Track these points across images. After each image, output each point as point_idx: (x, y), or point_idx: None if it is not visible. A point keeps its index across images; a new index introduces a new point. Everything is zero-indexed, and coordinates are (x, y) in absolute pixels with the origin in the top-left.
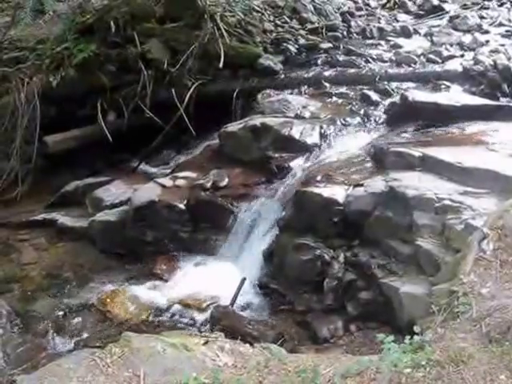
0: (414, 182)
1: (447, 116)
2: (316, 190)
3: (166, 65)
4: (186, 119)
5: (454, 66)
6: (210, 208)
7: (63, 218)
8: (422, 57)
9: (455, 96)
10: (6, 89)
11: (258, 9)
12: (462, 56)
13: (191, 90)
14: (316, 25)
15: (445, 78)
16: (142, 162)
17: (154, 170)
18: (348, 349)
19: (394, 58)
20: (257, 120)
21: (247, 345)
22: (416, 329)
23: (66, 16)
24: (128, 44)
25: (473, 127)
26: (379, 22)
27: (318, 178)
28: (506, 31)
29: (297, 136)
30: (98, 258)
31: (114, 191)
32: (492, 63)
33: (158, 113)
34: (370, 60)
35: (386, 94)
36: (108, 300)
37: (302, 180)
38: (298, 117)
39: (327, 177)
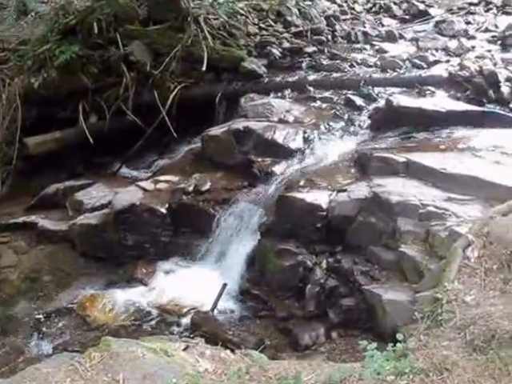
0: (397, 188)
1: (432, 121)
2: (299, 195)
3: (148, 67)
4: (169, 122)
5: (440, 71)
6: (191, 212)
7: (43, 221)
8: (407, 62)
9: (440, 101)
10: None
11: (242, 12)
12: (448, 61)
13: (174, 92)
14: (301, 28)
15: (430, 84)
16: (123, 164)
17: (135, 173)
18: (330, 356)
19: (378, 62)
20: (240, 124)
21: (228, 351)
22: (399, 336)
23: (48, 17)
24: (111, 46)
25: (458, 133)
26: (364, 27)
27: (301, 182)
28: (492, 37)
29: (280, 140)
30: (78, 262)
31: (95, 194)
32: (478, 69)
33: (140, 115)
34: (355, 64)
35: (370, 98)
36: (88, 304)
37: (285, 185)
38: (281, 121)
39: (310, 182)
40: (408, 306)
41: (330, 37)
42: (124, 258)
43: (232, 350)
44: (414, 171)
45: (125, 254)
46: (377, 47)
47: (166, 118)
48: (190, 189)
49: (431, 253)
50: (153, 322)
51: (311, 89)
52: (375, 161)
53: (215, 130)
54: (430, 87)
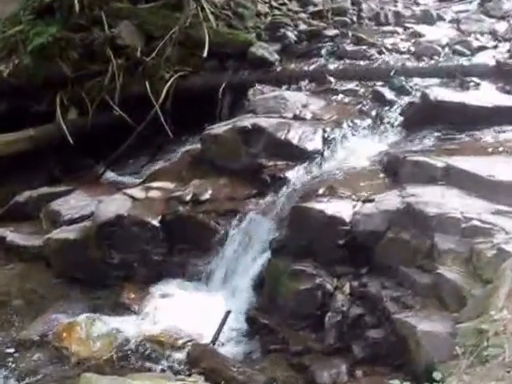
0: (435, 198)
1: (477, 119)
2: (317, 206)
3: (139, 53)
4: (162, 118)
5: (486, 59)
6: (189, 226)
7: (13, 235)
8: (446, 48)
9: (486, 95)
10: None
11: None
12: (495, 47)
13: (169, 83)
14: (320, 7)
15: (474, 74)
16: (108, 168)
17: (122, 178)
18: None
19: (413, 48)
20: (247, 121)
21: None
22: (436, 375)
23: None
24: (94, 27)
25: (508, 133)
26: (396, 6)
27: (320, 191)
28: None
29: (295, 141)
30: (54, 284)
31: (75, 203)
32: None
33: (128, 110)
34: (384, 51)
35: (402, 91)
36: (65, 334)
37: (301, 194)
38: (296, 118)
39: (331, 190)
40: (447, 339)
41: (354, 18)
42: (109, 279)
43: None
44: (454, 178)
45: (110, 275)
46: (411, 30)
47: (160, 114)
48: (188, 198)
49: (475, 276)
50: (142, 356)
51: (332, 79)
52: (408, 165)
53: (218, 128)
54: (473, 78)
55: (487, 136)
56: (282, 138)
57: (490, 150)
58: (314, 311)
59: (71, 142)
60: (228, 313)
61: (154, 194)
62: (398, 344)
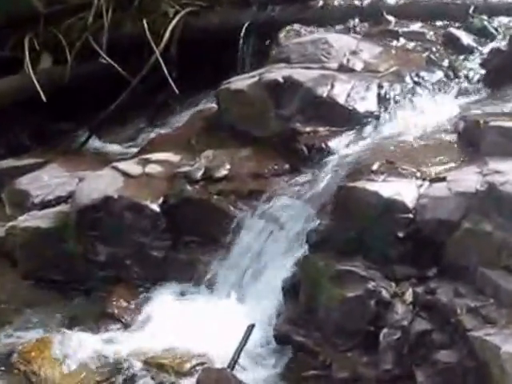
0: None
1: None
2: (371, 187)
3: None
4: (165, 69)
5: None
6: (199, 212)
7: None
8: None
9: None
10: None
11: None
12: None
13: (174, 21)
14: None
15: None
16: (92, 134)
17: (111, 148)
18: None
19: None
20: (278, 72)
21: None
22: None
23: None
24: None
25: None
26: None
27: (375, 166)
28: None
29: (341, 99)
30: (20, 287)
31: (48, 181)
32: None
33: (120, 58)
34: None
35: (485, 35)
36: (33, 354)
37: (349, 170)
38: (343, 68)
39: (389, 165)
40: None
41: None
42: (92, 282)
43: None
44: None
45: (94, 277)
46: None
47: (162, 63)
48: (198, 174)
49: None
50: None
51: (391, 18)
52: (492, 133)
53: (239, 82)
54: None
55: None
56: (324, 95)
57: None
58: (366, 326)
59: (44, 98)
60: (251, 327)
61: (153, 168)
62: (477, 370)
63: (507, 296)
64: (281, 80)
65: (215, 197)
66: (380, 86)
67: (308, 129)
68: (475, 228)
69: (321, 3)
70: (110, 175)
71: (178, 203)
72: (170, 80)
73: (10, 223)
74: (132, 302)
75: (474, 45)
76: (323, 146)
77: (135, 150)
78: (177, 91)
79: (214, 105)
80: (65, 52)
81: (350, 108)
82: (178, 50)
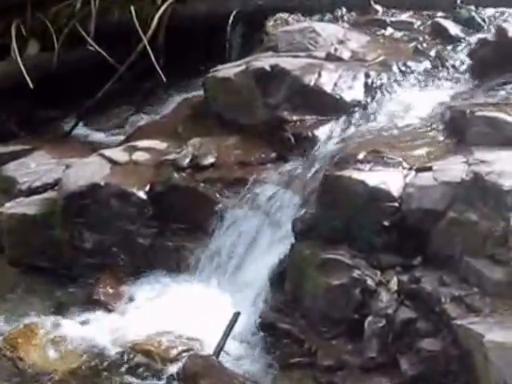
0: None
1: None
2: (357, 176)
3: None
4: (153, 56)
5: None
6: (186, 199)
7: None
8: None
9: None
10: None
11: None
12: None
13: (162, 9)
14: None
15: None
16: (79, 122)
17: (98, 135)
18: None
19: None
20: (265, 60)
21: None
22: None
23: None
24: None
25: None
26: None
27: (361, 155)
28: None
29: (328, 88)
30: (6, 274)
31: (35, 168)
32: None
33: (107, 45)
34: None
35: (472, 25)
36: (20, 341)
37: (335, 159)
38: (331, 57)
39: (375, 154)
40: None
41: None
42: (79, 269)
43: None
44: None
45: (80, 264)
46: None
47: (150, 50)
48: (185, 162)
49: None
50: (122, 370)
51: (379, 7)
52: (478, 123)
53: (226, 70)
54: None
55: None
56: (311, 84)
57: None
58: (351, 314)
59: (31, 85)
60: (237, 315)
61: (140, 156)
62: (460, 359)
63: (491, 285)
64: (268, 68)
65: (202, 184)
66: (367, 75)
67: (295, 117)
68: (460, 217)
69: None
70: (96, 162)
71: (165, 191)
72: (158, 68)
73: None
74: (118, 289)
75: (462, 35)
76: (310, 134)
77: (122, 137)
78: (164, 79)
79: (201, 93)
80: (52, 39)
81: (337, 97)
82: (165, 37)
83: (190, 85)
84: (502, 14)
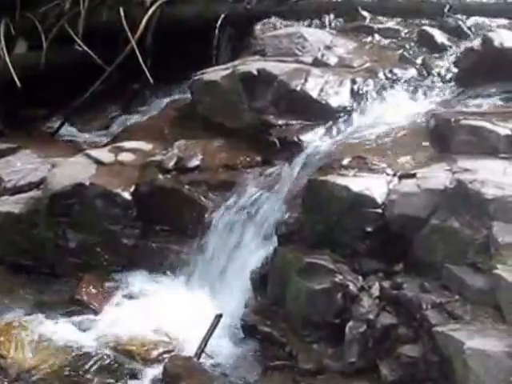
0: (495, 176)
1: None
2: (341, 181)
3: None
4: (141, 58)
5: None
6: (171, 201)
7: None
8: None
9: None
10: None
11: None
12: None
13: (150, 11)
14: None
15: None
16: (66, 121)
17: (84, 135)
18: None
19: None
20: (252, 64)
21: None
22: None
23: None
24: None
25: None
26: None
27: (346, 161)
28: None
29: (314, 93)
30: None
31: (20, 166)
32: None
33: (96, 45)
34: None
35: (458, 34)
36: (1, 339)
37: (320, 163)
38: (317, 63)
39: (360, 160)
40: (503, 361)
41: None
42: (62, 268)
43: None
44: None
45: (64, 263)
46: None
47: (137, 52)
48: (171, 164)
49: None
50: (103, 370)
51: (366, 14)
52: (462, 132)
53: (213, 74)
54: None
55: None
56: (298, 88)
57: None
58: (332, 319)
59: (18, 84)
60: (219, 317)
61: (126, 157)
62: (440, 365)
63: (472, 293)
64: (255, 72)
65: (186, 187)
66: (353, 82)
67: (281, 122)
68: (443, 225)
69: None
70: (82, 162)
71: (150, 192)
72: (145, 69)
73: None
74: (101, 289)
75: (448, 43)
76: (295, 139)
77: (108, 137)
78: (151, 81)
79: (188, 95)
80: (40, 38)
81: (323, 102)
82: (153, 39)
83: (177, 87)
84: (489, 23)
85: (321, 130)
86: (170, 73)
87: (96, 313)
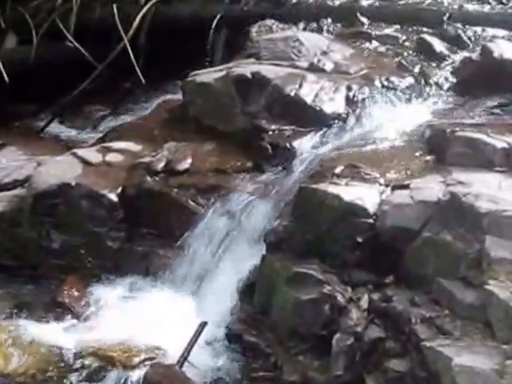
0: (490, 190)
1: None
2: (332, 190)
3: None
4: (133, 57)
5: None
6: (158, 204)
7: None
8: None
9: None
10: None
11: None
12: None
13: (145, 8)
14: None
15: None
16: (54, 118)
17: (72, 133)
18: None
19: None
20: (247, 67)
21: None
22: None
23: None
24: None
25: None
26: None
27: (338, 169)
28: None
29: (309, 99)
30: None
31: (5, 163)
32: None
33: (87, 42)
34: None
35: (457, 43)
36: None
37: (312, 171)
38: (313, 68)
39: (353, 169)
40: (492, 379)
41: None
42: (44, 268)
43: None
44: None
45: (46, 264)
46: None
47: (130, 50)
48: (160, 166)
49: None
50: (83, 375)
51: (365, 20)
52: (458, 143)
53: (206, 75)
54: None
55: None
56: (292, 93)
57: None
58: (319, 330)
59: (6, 79)
60: (203, 325)
61: (113, 157)
62: (428, 381)
63: (462, 308)
64: (249, 75)
65: (175, 190)
66: (349, 88)
67: (273, 127)
68: (435, 237)
69: (294, 0)
70: (68, 161)
71: (137, 194)
72: (137, 68)
73: None
74: (84, 292)
75: (447, 52)
76: (288, 145)
77: (97, 137)
78: (143, 80)
79: (180, 96)
80: (31, 32)
81: (318, 108)
82: (147, 38)
83: (169, 87)
84: (489, 33)
85: (314, 137)
86: (162, 72)
87: (78, 316)
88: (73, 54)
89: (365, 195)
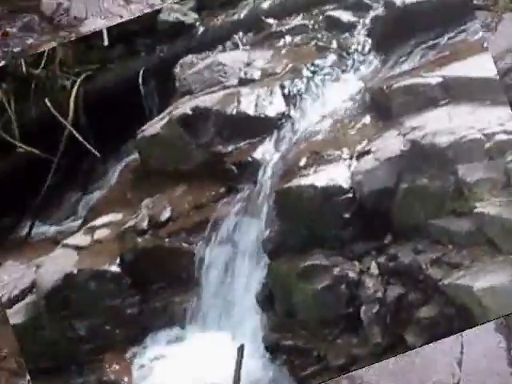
0: (443, 124)
1: (462, 15)
2: (304, 182)
3: (24, 68)
4: (80, 137)
5: None
6: (157, 258)
7: None
8: None
9: None
10: None
11: None
12: None
13: (74, 91)
14: None
15: None
16: (35, 221)
17: (56, 227)
18: None
19: None
20: (185, 106)
21: None
22: None
23: None
24: None
25: None
26: None
27: (302, 162)
28: None
29: (251, 111)
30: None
31: (7, 279)
32: None
33: (35, 141)
34: None
35: (361, 8)
36: None
37: (280, 173)
38: (243, 82)
39: (315, 156)
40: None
41: None
42: (82, 356)
43: None
44: (458, 92)
45: (81, 351)
46: None
47: (75, 132)
48: (144, 224)
49: None
50: None
51: (271, 21)
52: (398, 94)
53: (152, 127)
54: None
55: (479, 31)
56: (234, 112)
57: (485, 44)
58: (345, 310)
59: None
60: (242, 348)
61: (101, 233)
62: (459, 314)
63: (462, 238)
64: (190, 112)
65: (167, 240)
66: (282, 87)
67: (230, 148)
68: (413, 186)
69: (202, 29)
70: (63, 254)
71: (135, 257)
72: (89, 146)
73: None
74: (125, 363)
75: (354, 19)
76: (249, 159)
77: (79, 222)
78: (98, 154)
79: (137, 155)
80: None
81: (262, 116)
82: (86, 115)
83: (124, 151)
84: None
85: (269, 142)
86: (113, 140)
87: None
88: (27, 157)
89: (335, 174)
